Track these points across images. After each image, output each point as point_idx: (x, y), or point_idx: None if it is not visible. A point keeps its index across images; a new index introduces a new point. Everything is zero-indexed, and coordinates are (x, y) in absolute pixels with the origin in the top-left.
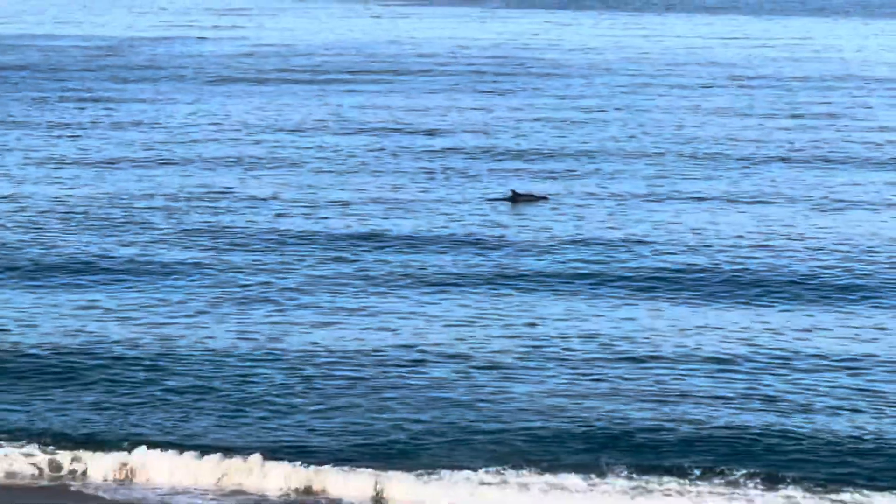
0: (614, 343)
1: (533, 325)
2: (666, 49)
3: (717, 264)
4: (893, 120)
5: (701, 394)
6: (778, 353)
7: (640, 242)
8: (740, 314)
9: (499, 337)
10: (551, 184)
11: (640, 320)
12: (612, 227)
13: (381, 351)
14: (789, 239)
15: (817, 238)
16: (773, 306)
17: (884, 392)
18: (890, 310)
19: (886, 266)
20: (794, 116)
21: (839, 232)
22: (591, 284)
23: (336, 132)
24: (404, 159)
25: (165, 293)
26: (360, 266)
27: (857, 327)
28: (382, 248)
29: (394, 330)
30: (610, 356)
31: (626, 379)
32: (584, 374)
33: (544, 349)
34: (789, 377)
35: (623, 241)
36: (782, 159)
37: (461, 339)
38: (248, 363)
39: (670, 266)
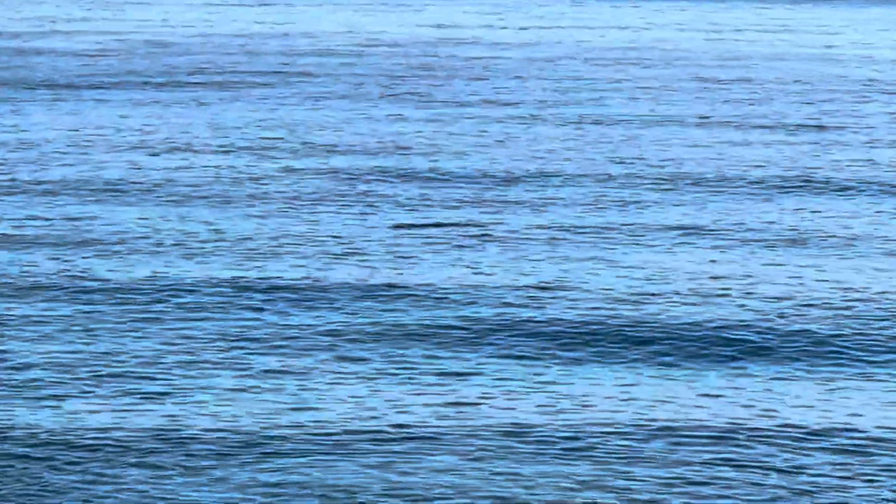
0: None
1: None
2: (617, 43)
3: (659, 319)
4: (890, 132)
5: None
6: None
7: (565, 288)
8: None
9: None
10: (476, 211)
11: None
12: (537, 271)
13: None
14: (752, 285)
15: (789, 286)
16: (724, 368)
17: None
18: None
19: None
20: (768, 127)
21: (818, 278)
22: (498, 338)
23: (215, 150)
24: (296, 183)
25: None
26: (235, 323)
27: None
28: (269, 300)
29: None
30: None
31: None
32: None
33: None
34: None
35: (544, 287)
36: (754, 182)
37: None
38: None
39: (601, 320)
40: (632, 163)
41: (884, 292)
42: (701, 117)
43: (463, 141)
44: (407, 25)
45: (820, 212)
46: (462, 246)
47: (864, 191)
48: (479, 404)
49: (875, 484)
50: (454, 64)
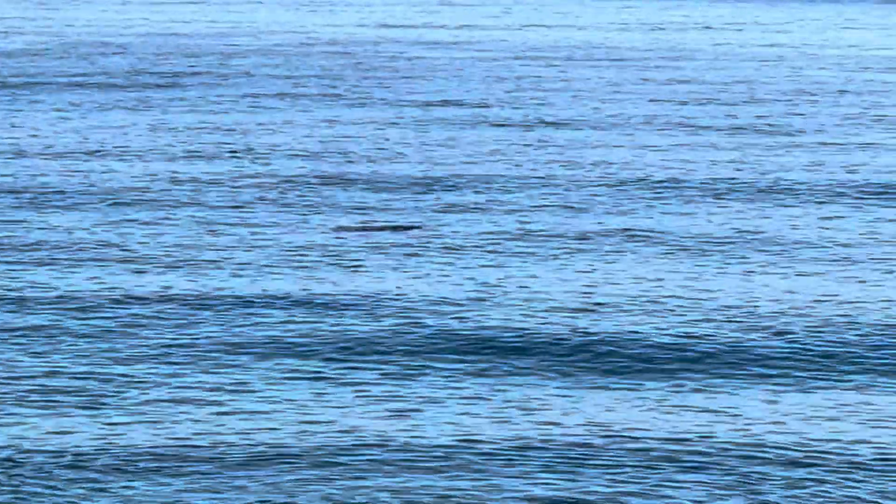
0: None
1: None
2: (564, 41)
3: (592, 333)
4: (836, 135)
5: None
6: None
7: (507, 296)
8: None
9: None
10: (419, 216)
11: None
12: (479, 278)
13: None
14: (699, 292)
15: (735, 294)
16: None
17: None
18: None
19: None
20: (725, 131)
21: (764, 284)
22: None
23: (152, 153)
24: (234, 188)
25: None
26: (172, 332)
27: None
28: (206, 308)
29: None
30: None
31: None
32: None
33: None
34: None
35: (487, 294)
36: (702, 186)
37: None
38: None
39: (543, 329)
40: (577, 166)
41: (829, 299)
42: (647, 118)
43: (405, 143)
44: (350, 24)
45: (769, 217)
46: (404, 252)
47: (813, 194)
48: (422, 411)
49: (822, 495)
50: (396, 64)
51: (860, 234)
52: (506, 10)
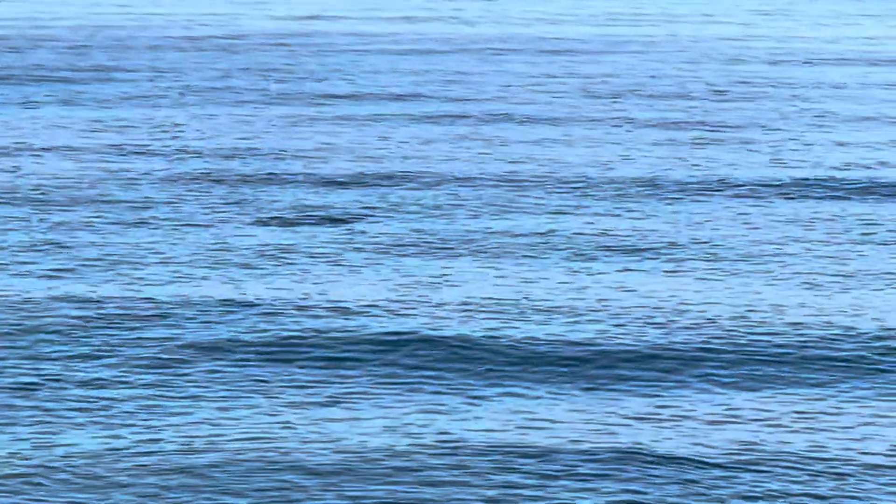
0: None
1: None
2: (491, 34)
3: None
4: (766, 133)
5: None
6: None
7: (429, 302)
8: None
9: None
10: (344, 216)
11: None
12: (404, 281)
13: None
14: (623, 297)
15: (665, 299)
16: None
17: None
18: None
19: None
20: (658, 125)
21: (699, 289)
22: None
23: (64, 151)
24: (152, 188)
25: None
26: (91, 341)
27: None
28: (125, 315)
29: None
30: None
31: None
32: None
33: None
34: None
35: (411, 299)
36: (633, 183)
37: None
38: None
39: (468, 334)
40: (504, 162)
41: (781, 306)
42: (577, 111)
43: (333, 140)
44: (284, 16)
45: (698, 216)
46: (334, 251)
47: (765, 194)
48: (347, 420)
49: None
50: (329, 58)
51: (788, 234)
52: (435, 4)
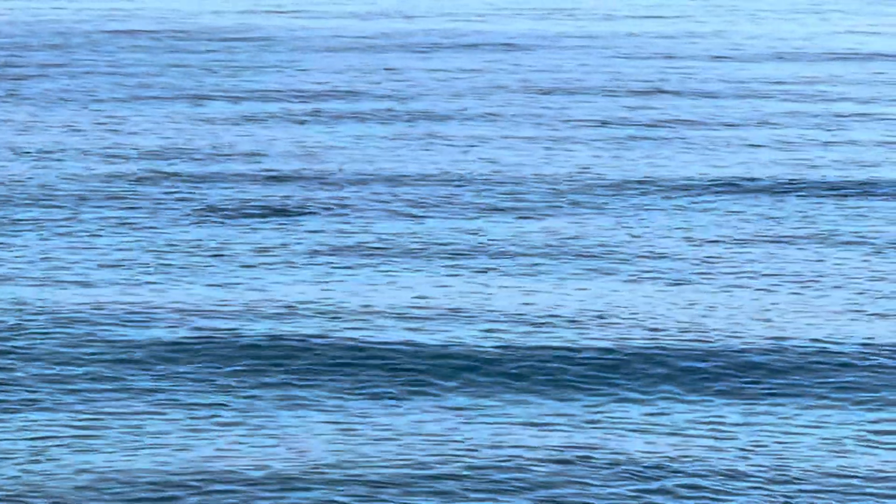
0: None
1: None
2: (415, 29)
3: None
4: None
5: None
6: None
7: (344, 310)
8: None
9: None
10: (260, 222)
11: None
12: (322, 288)
13: None
14: (540, 305)
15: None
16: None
17: None
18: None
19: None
20: (588, 125)
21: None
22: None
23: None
24: (53, 191)
25: None
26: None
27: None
28: (26, 322)
29: None
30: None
31: None
32: None
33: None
34: None
35: (325, 308)
36: (575, 190)
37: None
38: None
39: (374, 344)
40: (441, 160)
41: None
42: (490, 113)
43: (249, 139)
44: (224, 9)
45: (621, 218)
46: (260, 254)
47: (668, 191)
48: (257, 435)
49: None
50: (264, 56)
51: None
52: None
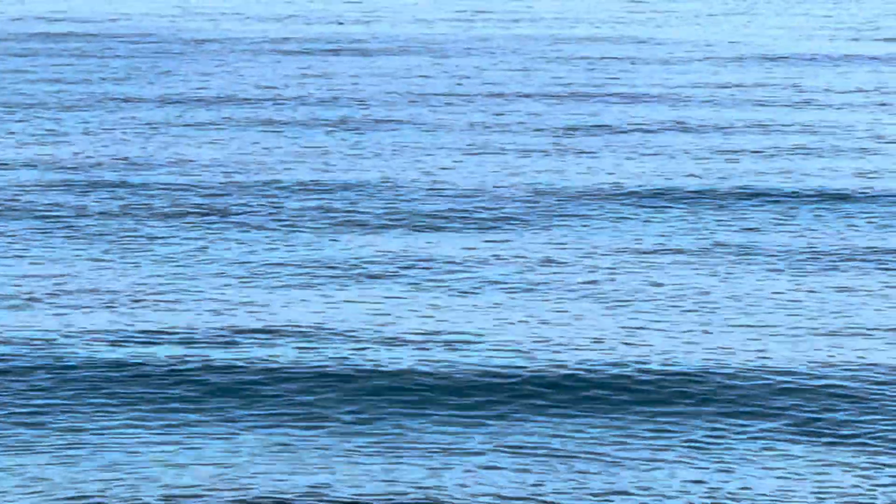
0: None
1: None
2: (367, 33)
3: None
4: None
5: None
6: None
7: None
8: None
9: None
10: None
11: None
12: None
13: None
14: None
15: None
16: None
17: None
18: None
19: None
20: (501, 130)
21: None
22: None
23: None
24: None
25: None
26: None
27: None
28: None
29: None
30: None
31: None
32: None
33: None
34: None
35: (240, 328)
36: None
37: None
38: None
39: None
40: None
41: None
42: (416, 121)
43: (187, 146)
44: (145, 13)
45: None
46: (183, 272)
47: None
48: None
49: None
50: (192, 63)
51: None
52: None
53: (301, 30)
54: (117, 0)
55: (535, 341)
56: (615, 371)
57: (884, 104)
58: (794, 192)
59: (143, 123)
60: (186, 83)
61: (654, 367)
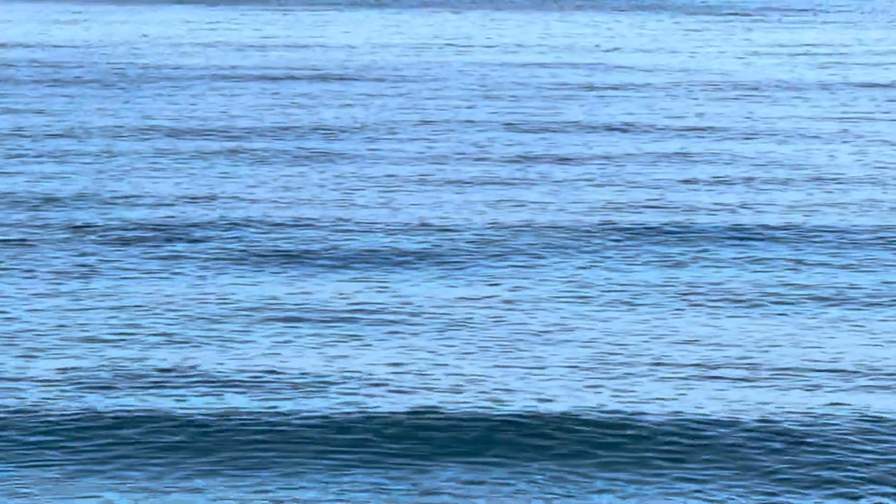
0: None
1: None
2: (332, 59)
3: None
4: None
5: None
6: None
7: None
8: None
9: None
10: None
11: None
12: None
13: None
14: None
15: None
16: None
17: None
18: None
19: None
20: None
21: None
22: None
23: None
24: None
25: None
26: None
27: None
28: None
29: None
30: None
31: None
32: None
33: None
34: None
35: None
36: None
37: None
38: None
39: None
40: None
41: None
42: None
43: (152, 177)
44: (95, 44)
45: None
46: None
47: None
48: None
49: None
50: (151, 86)
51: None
52: (272, 22)
53: (260, 59)
54: (71, 28)
55: (470, 382)
56: (556, 416)
57: (844, 131)
58: (748, 226)
59: (92, 154)
60: (137, 113)
61: (576, 415)
